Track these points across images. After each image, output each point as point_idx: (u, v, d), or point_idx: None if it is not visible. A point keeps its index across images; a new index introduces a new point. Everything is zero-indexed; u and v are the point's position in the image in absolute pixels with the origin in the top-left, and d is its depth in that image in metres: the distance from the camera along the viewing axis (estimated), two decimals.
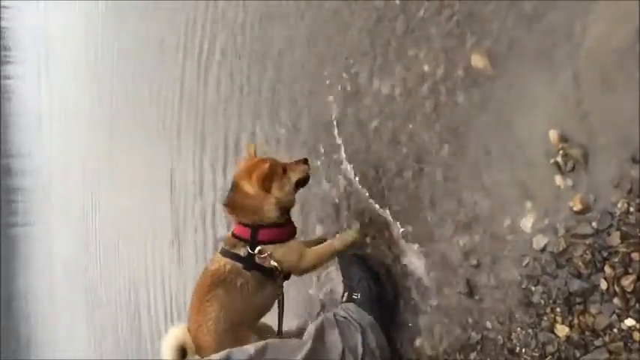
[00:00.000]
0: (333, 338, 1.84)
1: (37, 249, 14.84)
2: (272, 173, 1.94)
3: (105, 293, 7.53)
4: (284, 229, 2.02)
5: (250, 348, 1.72)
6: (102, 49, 8.21)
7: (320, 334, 1.83)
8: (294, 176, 2.02)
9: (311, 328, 1.87)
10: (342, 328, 1.88)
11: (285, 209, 2.01)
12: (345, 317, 1.94)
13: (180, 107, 4.58)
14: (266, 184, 1.92)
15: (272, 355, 1.72)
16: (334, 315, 1.94)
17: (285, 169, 2.01)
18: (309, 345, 1.77)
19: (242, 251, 1.94)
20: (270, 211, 1.96)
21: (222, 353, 1.67)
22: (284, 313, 2.03)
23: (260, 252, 1.92)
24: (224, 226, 3.47)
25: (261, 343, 1.77)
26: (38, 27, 15.56)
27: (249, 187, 1.94)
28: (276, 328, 2.06)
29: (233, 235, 2.00)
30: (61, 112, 12.27)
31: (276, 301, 2.03)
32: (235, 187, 1.99)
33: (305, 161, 2.07)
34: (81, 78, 9.87)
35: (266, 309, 2.08)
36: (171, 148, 4.75)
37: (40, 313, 14.43)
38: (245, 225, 1.97)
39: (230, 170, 3.46)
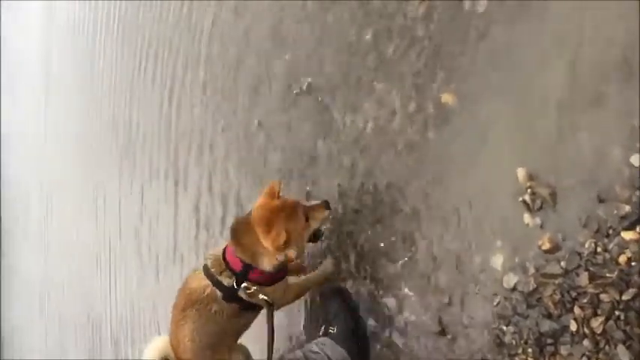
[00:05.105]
0: None
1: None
2: (292, 238, 1.75)
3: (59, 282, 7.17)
4: (278, 274, 1.88)
5: None
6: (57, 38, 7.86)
7: None
8: (314, 225, 1.86)
9: None
10: None
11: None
12: (317, 352, 1.91)
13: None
14: (281, 248, 1.75)
15: None
16: (304, 353, 1.91)
17: (307, 217, 1.82)
18: None
19: (226, 281, 1.82)
20: (269, 266, 1.82)
21: None
22: (274, 341, 1.89)
23: (247, 288, 1.82)
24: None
25: None
26: None
27: (263, 240, 1.75)
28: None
29: (224, 258, 1.85)
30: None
31: (266, 329, 1.93)
32: (248, 224, 1.79)
33: (327, 205, 1.86)
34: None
35: (242, 332, 2.00)
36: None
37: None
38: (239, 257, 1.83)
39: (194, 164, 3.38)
